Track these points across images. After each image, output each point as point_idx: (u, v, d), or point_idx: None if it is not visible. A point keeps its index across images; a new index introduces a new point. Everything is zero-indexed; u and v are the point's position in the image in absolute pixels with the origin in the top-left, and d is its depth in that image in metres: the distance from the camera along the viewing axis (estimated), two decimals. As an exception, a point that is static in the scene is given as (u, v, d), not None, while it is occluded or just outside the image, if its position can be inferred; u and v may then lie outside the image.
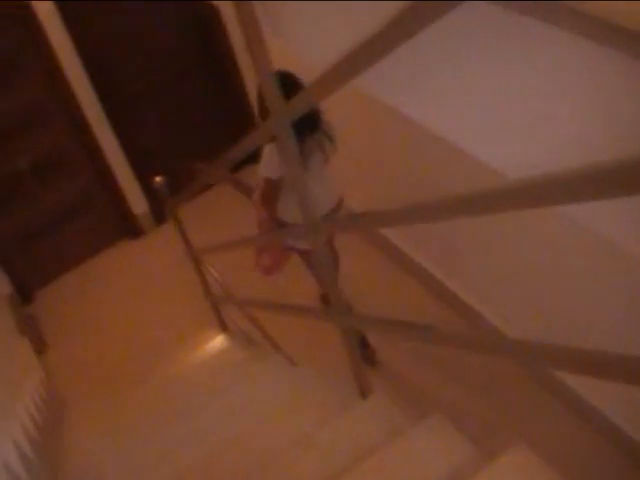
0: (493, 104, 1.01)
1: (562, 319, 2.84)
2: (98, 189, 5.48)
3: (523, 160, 1.13)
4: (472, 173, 2.47)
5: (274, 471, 2.18)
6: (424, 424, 2.06)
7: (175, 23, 5.25)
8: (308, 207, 1.82)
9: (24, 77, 4.88)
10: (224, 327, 4.23)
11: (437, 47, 0.97)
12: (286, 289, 4.23)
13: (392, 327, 2.04)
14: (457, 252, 3.49)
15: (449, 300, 3.66)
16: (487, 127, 1.05)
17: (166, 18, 5.15)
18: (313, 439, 2.20)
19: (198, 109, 5.57)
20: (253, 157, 2.79)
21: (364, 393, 2.45)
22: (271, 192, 3.12)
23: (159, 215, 5.64)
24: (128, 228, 5.70)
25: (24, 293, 5.52)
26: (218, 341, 4.19)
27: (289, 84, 2.66)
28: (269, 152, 2.99)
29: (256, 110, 3.18)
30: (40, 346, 5.01)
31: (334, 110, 2.81)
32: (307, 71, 1.53)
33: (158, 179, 3.66)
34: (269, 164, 3.01)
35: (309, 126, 2.95)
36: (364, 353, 3.48)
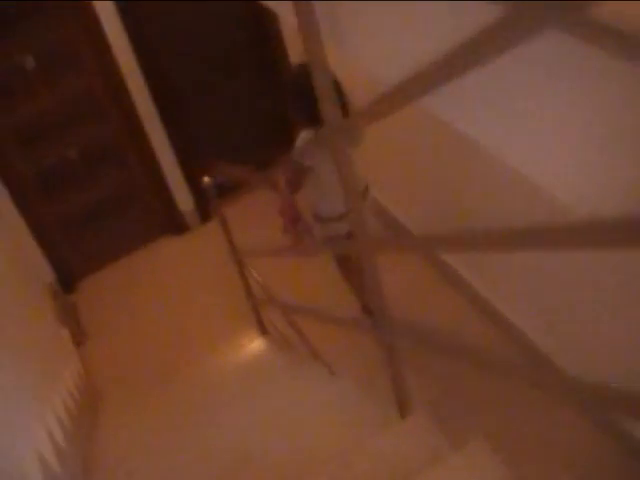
0: (557, 133, 0.96)
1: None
2: (145, 183, 5.50)
3: (586, 192, 1.06)
4: (530, 201, 2.38)
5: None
6: (465, 450, 1.99)
7: (231, 22, 5.23)
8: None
9: (80, 69, 4.92)
10: (263, 330, 4.19)
11: (506, 69, 0.92)
12: (328, 296, 4.17)
13: (440, 349, 1.97)
14: (506, 270, 3.39)
15: (493, 317, 3.56)
16: (549, 155, 1.00)
17: (223, 17, 5.13)
18: (349, 459, 2.13)
19: (248, 110, 5.54)
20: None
21: (403, 411, 2.39)
22: (300, 177, 3.23)
23: (204, 213, 5.64)
24: (173, 224, 5.71)
25: (66, 282, 5.57)
26: (257, 344, 4.14)
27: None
28: (304, 139, 3.13)
29: (290, 106, 3.28)
30: (79, 337, 5.02)
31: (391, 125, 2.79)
32: (369, 84, 1.47)
33: (206, 179, 3.64)
34: (302, 151, 3.17)
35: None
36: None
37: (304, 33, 1.51)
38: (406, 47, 1.28)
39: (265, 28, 5.21)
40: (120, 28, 4.81)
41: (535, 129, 1.07)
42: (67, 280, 5.57)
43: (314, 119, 3.09)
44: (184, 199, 5.62)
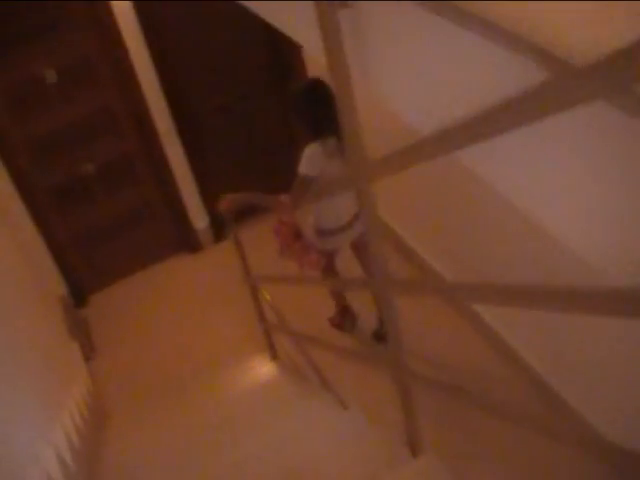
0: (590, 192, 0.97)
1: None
2: (161, 200, 5.52)
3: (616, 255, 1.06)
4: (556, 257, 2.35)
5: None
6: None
7: (254, 43, 5.25)
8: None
9: (100, 84, 4.95)
10: (274, 355, 4.16)
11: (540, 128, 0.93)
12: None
13: (459, 395, 1.95)
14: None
15: (512, 357, 3.52)
16: (580, 212, 1.00)
17: (246, 37, 5.15)
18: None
19: (266, 132, 5.56)
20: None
21: (414, 450, 2.38)
22: (304, 189, 3.27)
23: (219, 232, 5.65)
24: (187, 242, 5.72)
25: (78, 296, 5.57)
26: (267, 370, 4.11)
27: (322, 93, 3.17)
28: (311, 153, 3.23)
29: (295, 122, 3.47)
30: (89, 352, 5.02)
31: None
32: (400, 127, 1.47)
33: (223, 206, 3.64)
34: (310, 164, 3.22)
35: (328, 128, 3.18)
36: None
37: (333, 73, 1.51)
38: (442, 96, 1.28)
39: (287, 52, 5.23)
40: (142, 45, 4.84)
41: (566, 188, 1.07)
42: (79, 294, 5.57)
43: (318, 132, 3.26)
44: (199, 217, 5.64)
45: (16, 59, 4.61)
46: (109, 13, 4.63)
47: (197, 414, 3.85)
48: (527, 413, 1.68)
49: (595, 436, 1.58)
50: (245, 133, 5.48)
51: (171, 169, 5.33)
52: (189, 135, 5.30)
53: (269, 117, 5.52)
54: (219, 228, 5.61)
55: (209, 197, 5.51)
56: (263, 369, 4.14)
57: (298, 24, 1.74)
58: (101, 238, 5.52)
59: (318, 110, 3.22)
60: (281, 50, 5.25)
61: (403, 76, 1.38)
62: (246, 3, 2.02)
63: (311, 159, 3.22)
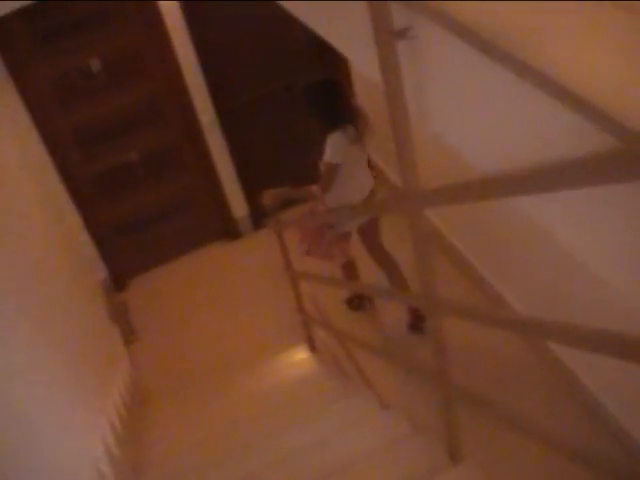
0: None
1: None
2: (202, 189, 5.57)
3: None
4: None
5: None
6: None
7: (297, 41, 5.22)
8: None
9: (144, 74, 5.00)
10: (313, 348, 4.20)
11: None
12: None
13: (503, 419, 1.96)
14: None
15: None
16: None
17: (288, 33, 5.13)
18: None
19: (306, 127, 5.53)
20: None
21: (455, 457, 2.39)
22: (334, 176, 3.49)
23: (257, 221, 5.70)
24: (226, 230, 5.79)
25: (118, 281, 5.67)
26: (306, 363, 4.14)
27: (336, 86, 3.56)
28: (334, 141, 3.42)
29: (313, 117, 3.61)
30: (129, 336, 5.10)
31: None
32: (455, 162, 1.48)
33: (266, 200, 3.69)
34: (335, 152, 3.43)
35: (345, 117, 3.46)
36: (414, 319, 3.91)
37: (390, 102, 1.52)
38: (496, 136, 1.28)
39: (334, 60, 5.20)
40: (186, 36, 4.87)
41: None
42: (120, 278, 5.67)
43: (338, 122, 3.45)
44: (238, 206, 5.69)
45: (63, 50, 4.68)
46: (155, 7, 4.68)
47: (236, 405, 3.89)
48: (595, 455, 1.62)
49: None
50: (285, 125, 5.49)
51: (213, 159, 5.38)
52: (231, 126, 5.33)
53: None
54: (258, 217, 5.66)
55: (249, 186, 5.58)
56: (303, 362, 4.17)
57: (355, 46, 1.75)
58: (142, 224, 5.61)
59: (336, 101, 3.50)
60: (324, 43, 5.22)
61: (457, 112, 1.38)
62: (301, 17, 2.03)
63: (336, 147, 3.42)
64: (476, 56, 1.16)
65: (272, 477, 2.80)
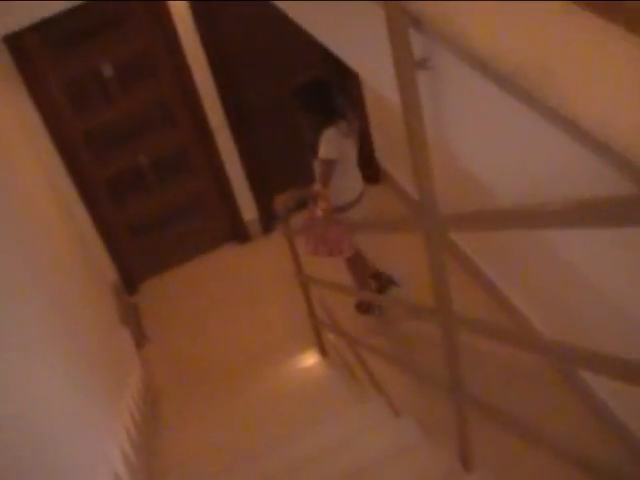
0: None
1: None
2: (212, 192, 5.60)
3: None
4: None
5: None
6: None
7: (307, 44, 5.20)
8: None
9: (155, 78, 5.02)
10: (323, 352, 4.21)
11: None
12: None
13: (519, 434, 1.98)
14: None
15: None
16: None
17: (299, 37, 5.12)
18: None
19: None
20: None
21: (467, 464, 2.42)
22: (331, 172, 3.61)
23: (267, 224, 5.74)
24: (236, 233, 5.81)
25: (129, 283, 5.70)
26: (317, 367, 4.15)
27: (326, 85, 3.66)
28: (329, 137, 3.53)
29: (306, 114, 3.76)
30: (140, 339, 5.12)
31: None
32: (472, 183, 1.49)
33: (277, 205, 3.73)
34: (331, 147, 3.54)
35: (338, 113, 3.60)
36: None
37: (409, 128, 1.54)
38: (515, 164, 1.30)
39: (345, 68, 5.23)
40: (196, 38, 4.89)
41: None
42: (130, 281, 5.70)
43: (331, 118, 3.58)
44: (248, 209, 5.72)
45: (75, 55, 4.71)
46: (166, 11, 4.70)
47: (248, 409, 3.92)
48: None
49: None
50: (295, 127, 5.50)
51: (223, 162, 5.40)
52: (240, 130, 5.35)
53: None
54: (268, 220, 5.70)
55: (259, 189, 5.62)
56: (314, 366, 4.19)
57: (375, 71, 1.76)
58: (153, 227, 5.63)
59: (329, 98, 3.63)
60: (342, 66, 5.25)
61: (475, 138, 1.40)
62: (323, 39, 2.04)
63: (331, 142, 3.53)
64: (492, 88, 1.18)
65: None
